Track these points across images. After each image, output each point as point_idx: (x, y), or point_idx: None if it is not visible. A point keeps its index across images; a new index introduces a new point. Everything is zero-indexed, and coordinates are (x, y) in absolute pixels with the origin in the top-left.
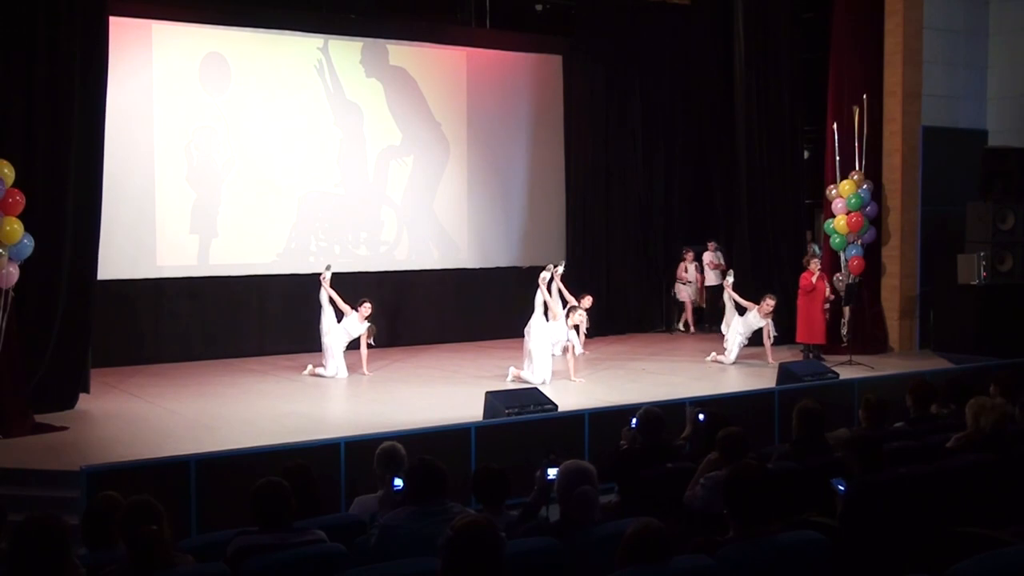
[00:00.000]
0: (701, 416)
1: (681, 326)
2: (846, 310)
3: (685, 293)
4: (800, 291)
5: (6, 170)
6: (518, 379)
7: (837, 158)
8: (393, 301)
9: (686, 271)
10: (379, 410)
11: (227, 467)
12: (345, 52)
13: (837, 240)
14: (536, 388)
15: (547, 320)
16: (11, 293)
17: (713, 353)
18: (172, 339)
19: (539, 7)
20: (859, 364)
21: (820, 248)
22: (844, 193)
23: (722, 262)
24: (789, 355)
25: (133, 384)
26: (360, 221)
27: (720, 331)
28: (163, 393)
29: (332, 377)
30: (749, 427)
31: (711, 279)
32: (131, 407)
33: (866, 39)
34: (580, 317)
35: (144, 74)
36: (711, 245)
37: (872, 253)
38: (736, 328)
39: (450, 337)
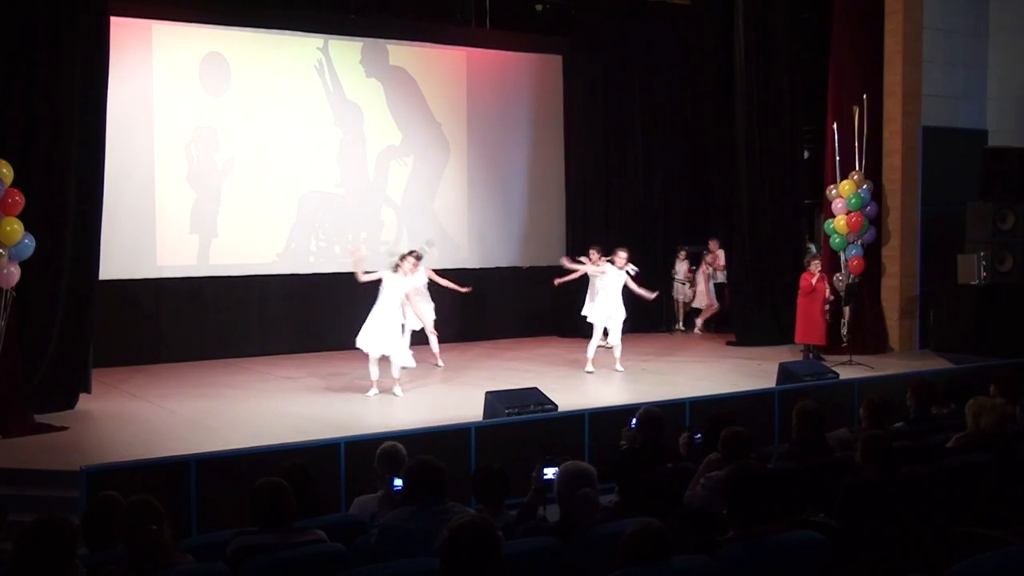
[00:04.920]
0: (698, 436)
1: (680, 325)
2: (846, 310)
3: (680, 293)
4: (800, 292)
5: (4, 170)
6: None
7: (837, 158)
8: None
9: (676, 271)
10: (379, 410)
11: (227, 467)
12: (345, 52)
13: (837, 240)
14: (536, 388)
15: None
16: (12, 293)
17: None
18: (172, 339)
19: (539, 7)
20: (859, 364)
21: (818, 248)
22: (844, 193)
23: (723, 261)
24: (789, 355)
25: (133, 384)
26: (360, 221)
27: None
28: (163, 393)
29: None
30: (749, 427)
31: (715, 278)
32: (131, 407)
33: (866, 39)
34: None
35: (144, 74)
36: (712, 244)
37: (872, 253)
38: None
39: (450, 337)
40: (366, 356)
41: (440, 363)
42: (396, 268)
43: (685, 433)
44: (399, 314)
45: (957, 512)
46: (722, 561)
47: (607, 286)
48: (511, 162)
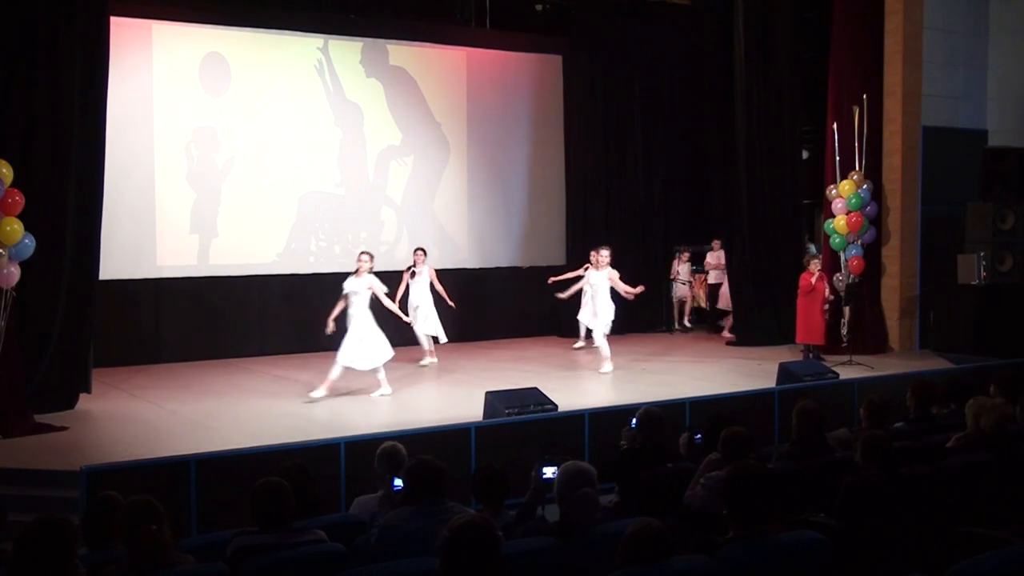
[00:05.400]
0: (698, 436)
1: (678, 325)
2: (846, 310)
3: (682, 292)
4: (800, 291)
5: (4, 170)
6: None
7: (837, 158)
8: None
9: (679, 272)
10: (379, 410)
11: (227, 467)
12: (345, 52)
13: (837, 240)
14: (536, 388)
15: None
16: (12, 293)
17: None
18: (172, 339)
19: (539, 7)
20: (859, 364)
21: (818, 248)
22: (844, 193)
23: (722, 261)
24: (789, 355)
25: (133, 384)
26: (360, 221)
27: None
28: (163, 393)
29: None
30: (749, 427)
31: (713, 278)
32: (131, 407)
33: (866, 39)
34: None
35: (144, 74)
36: (715, 244)
37: (872, 253)
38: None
39: (450, 337)
40: None
41: (434, 359)
42: (356, 272)
43: (685, 433)
44: (370, 319)
45: (957, 512)
46: (722, 561)
47: (593, 288)
48: (511, 162)
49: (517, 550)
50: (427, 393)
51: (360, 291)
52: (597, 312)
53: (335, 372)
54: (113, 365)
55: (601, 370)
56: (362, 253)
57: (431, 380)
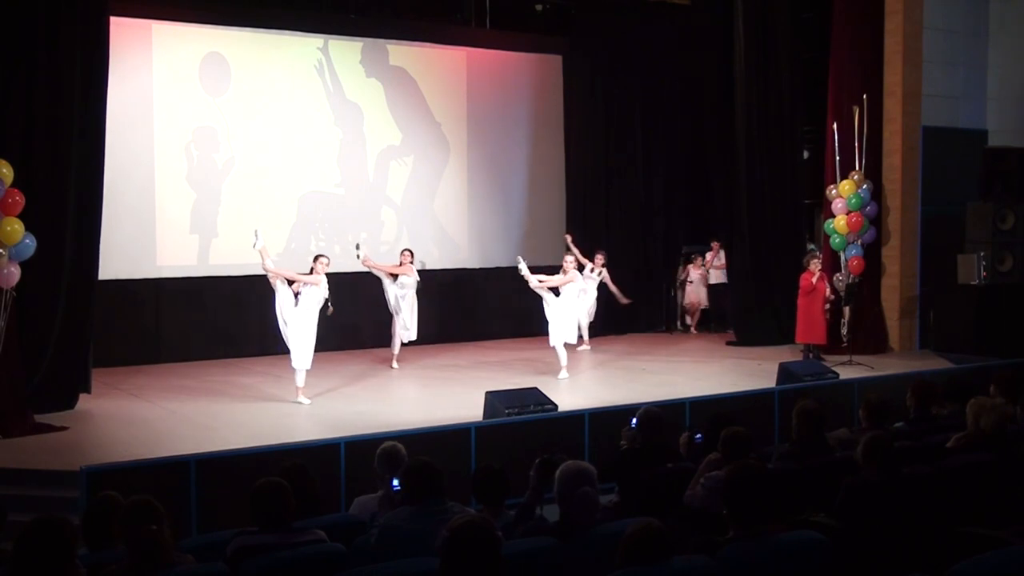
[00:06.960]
0: (698, 436)
1: (680, 326)
2: (846, 310)
3: (692, 296)
4: (800, 291)
5: (4, 170)
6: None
7: (837, 158)
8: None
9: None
10: (379, 410)
11: (227, 467)
12: (345, 52)
13: (837, 240)
14: (536, 388)
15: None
16: (12, 293)
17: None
18: (172, 339)
19: (539, 7)
20: (859, 364)
21: (818, 248)
22: (844, 193)
23: (723, 261)
24: (789, 355)
25: (133, 384)
26: (360, 221)
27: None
28: (163, 393)
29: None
30: (749, 427)
31: (714, 278)
32: (131, 407)
33: (866, 39)
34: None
35: (144, 74)
36: (715, 245)
37: (872, 253)
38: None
39: (450, 337)
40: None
41: (395, 364)
42: (311, 272)
43: (685, 433)
44: (314, 321)
45: (957, 512)
46: (722, 561)
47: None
48: (511, 162)
49: (517, 550)
50: (427, 393)
51: (312, 294)
52: (575, 315)
53: (299, 377)
54: (113, 365)
55: (559, 376)
56: (320, 256)
57: (431, 380)
